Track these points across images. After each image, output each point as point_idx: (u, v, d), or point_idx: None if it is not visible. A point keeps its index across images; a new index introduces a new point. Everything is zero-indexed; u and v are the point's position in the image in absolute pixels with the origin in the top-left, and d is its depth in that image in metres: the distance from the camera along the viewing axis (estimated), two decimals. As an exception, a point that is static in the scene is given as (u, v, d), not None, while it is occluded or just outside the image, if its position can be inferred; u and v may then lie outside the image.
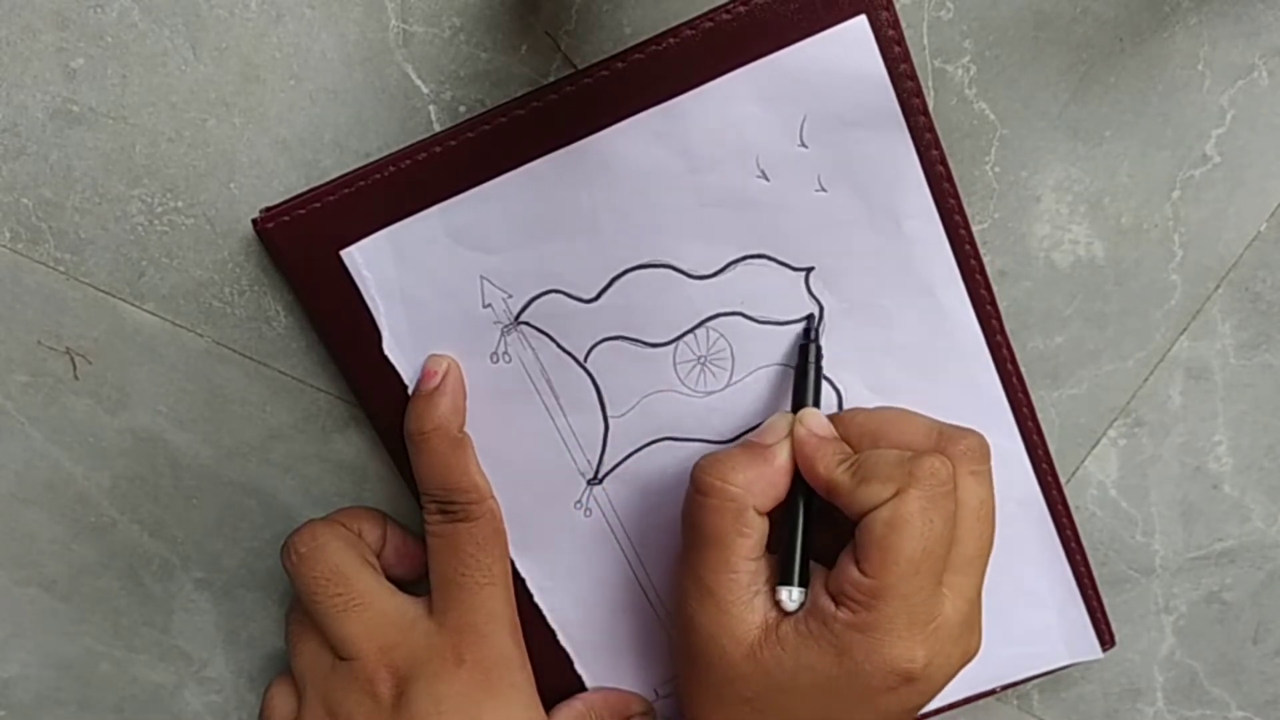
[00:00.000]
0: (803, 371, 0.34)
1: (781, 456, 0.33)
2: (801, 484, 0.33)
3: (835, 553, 0.32)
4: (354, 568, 0.34)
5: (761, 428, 0.34)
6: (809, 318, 0.34)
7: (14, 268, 0.33)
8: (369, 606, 0.34)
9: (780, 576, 0.32)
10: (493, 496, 0.35)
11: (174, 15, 0.31)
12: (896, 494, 0.30)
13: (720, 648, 0.32)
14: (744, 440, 0.34)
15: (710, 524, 0.32)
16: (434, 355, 0.34)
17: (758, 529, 0.32)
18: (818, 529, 0.33)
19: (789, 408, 0.35)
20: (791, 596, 0.32)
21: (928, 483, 0.30)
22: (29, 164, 0.32)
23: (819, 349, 0.34)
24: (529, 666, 0.36)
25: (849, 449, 0.33)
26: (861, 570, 0.30)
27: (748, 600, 0.32)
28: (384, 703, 0.34)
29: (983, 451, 0.33)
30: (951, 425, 0.33)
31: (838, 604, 0.31)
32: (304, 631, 0.36)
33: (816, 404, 0.34)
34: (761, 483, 0.32)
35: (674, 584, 0.34)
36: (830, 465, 0.32)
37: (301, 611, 0.36)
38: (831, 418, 0.34)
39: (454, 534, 0.34)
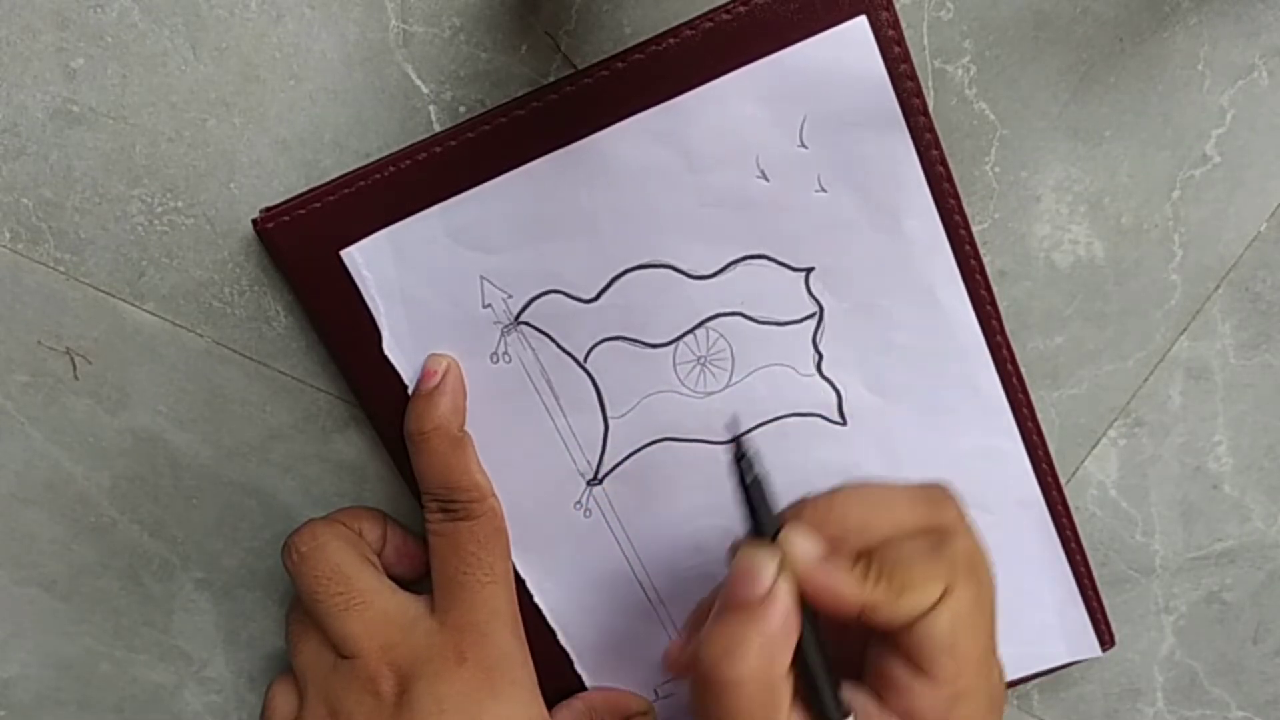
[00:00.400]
0: (746, 492, 0.29)
1: (782, 604, 0.28)
2: (807, 618, 0.29)
3: (841, 660, 0.29)
4: (355, 567, 0.34)
5: (736, 574, 0.28)
6: (735, 440, 0.30)
7: (14, 268, 0.33)
8: (370, 605, 0.34)
9: (822, 713, 0.29)
10: (494, 495, 0.35)
11: (174, 15, 0.31)
12: (946, 592, 0.27)
13: None
14: (724, 601, 0.29)
15: (745, 713, 0.27)
16: (434, 355, 0.34)
17: (786, 694, 0.28)
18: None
19: (742, 531, 0.30)
20: None
21: (972, 572, 0.28)
22: (29, 164, 0.32)
23: (749, 461, 0.29)
24: (531, 665, 0.36)
25: (844, 553, 0.29)
26: (933, 677, 0.27)
27: None
28: (386, 701, 0.34)
29: (958, 506, 0.30)
30: (923, 486, 0.30)
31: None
32: (305, 631, 0.36)
33: (779, 520, 0.29)
34: (774, 648, 0.27)
35: None
36: (853, 585, 0.28)
37: (302, 611, 0.36)
38: (794, 517, 0.29)
39: (455, 533, 0.34)
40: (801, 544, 0.28)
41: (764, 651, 0.27)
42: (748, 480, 0.29)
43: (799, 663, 0.29)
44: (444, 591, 0.35)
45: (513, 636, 0.35)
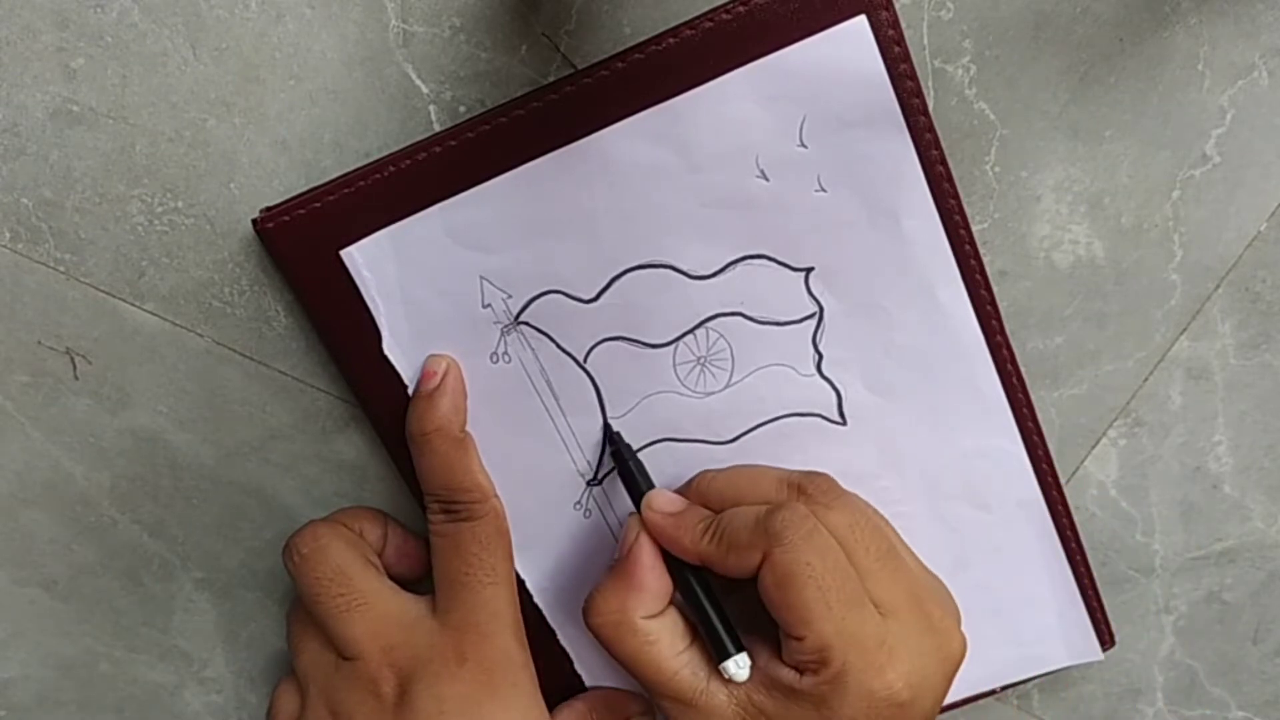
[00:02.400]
0: (624, 466, 0.35)
1: (644, 555, 0.33)
2: (683, 564, 0.33)
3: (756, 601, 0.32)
4: (356, 568, 0.34)
5: (620, 542, 0.34)
6: (605, 427, 0.35)
7: (14, 268, 0.33)
8: (372, 606, 0.34)
9: (716, 657, 0.33)
10: (496, 496, 0.35)
11: (174, 15, 0.31)
12: (765, 557, 0.31)
13: None
14: (610, 564, 0.35)
15: (622, 653, 0.33)
16: (433, 355, 0.34)
17: (662, 630, 0.33)
18: (730, 584, 0.33)
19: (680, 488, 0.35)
20: (738, 665, 0.32)
21: (786, 534, 0.31)
22: (29, 164, 0.32)
23: (627, 445, 0.35)
24: (532, 666, 0.36)
25: (707, 513, 0.33)
26: (790, 635, 0.31)
27: (705, 688, 0.32)
28: (387, 703, 0.34)
29: (831, 486, 0.33)
30: (800, 472, 0.34)
31: (801, 672, 0.31)
32: (306, 632, 0.36)
33: (649, 486, 0.34)
34: (635, 591, 0.33)
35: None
36: (695, 537, 0.32)
37: (303, 612, 0.36)
38: (685, 488, 0.35)
39: (457, 533, 0.34)
40: (656, 502, 0.34)
41: (618, 598, 0.33)
42: (621, 450, 0.35)
43: (695, 616, 0.34)
44: (445, 592, 0.34)
45: (514, 638, 0.35)
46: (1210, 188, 0.35)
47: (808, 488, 0.33)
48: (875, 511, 0.34)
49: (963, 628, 0.34)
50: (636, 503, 0.34)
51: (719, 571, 0.32)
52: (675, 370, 0.35)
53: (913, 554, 0.35)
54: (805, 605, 0.30)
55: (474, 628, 0.34)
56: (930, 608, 0.33)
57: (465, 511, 0.34)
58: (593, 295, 0.34)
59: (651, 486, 0.34)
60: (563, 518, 0.37)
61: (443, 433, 0.34)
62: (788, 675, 0.31)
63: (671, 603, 0.34)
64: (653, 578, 0.33)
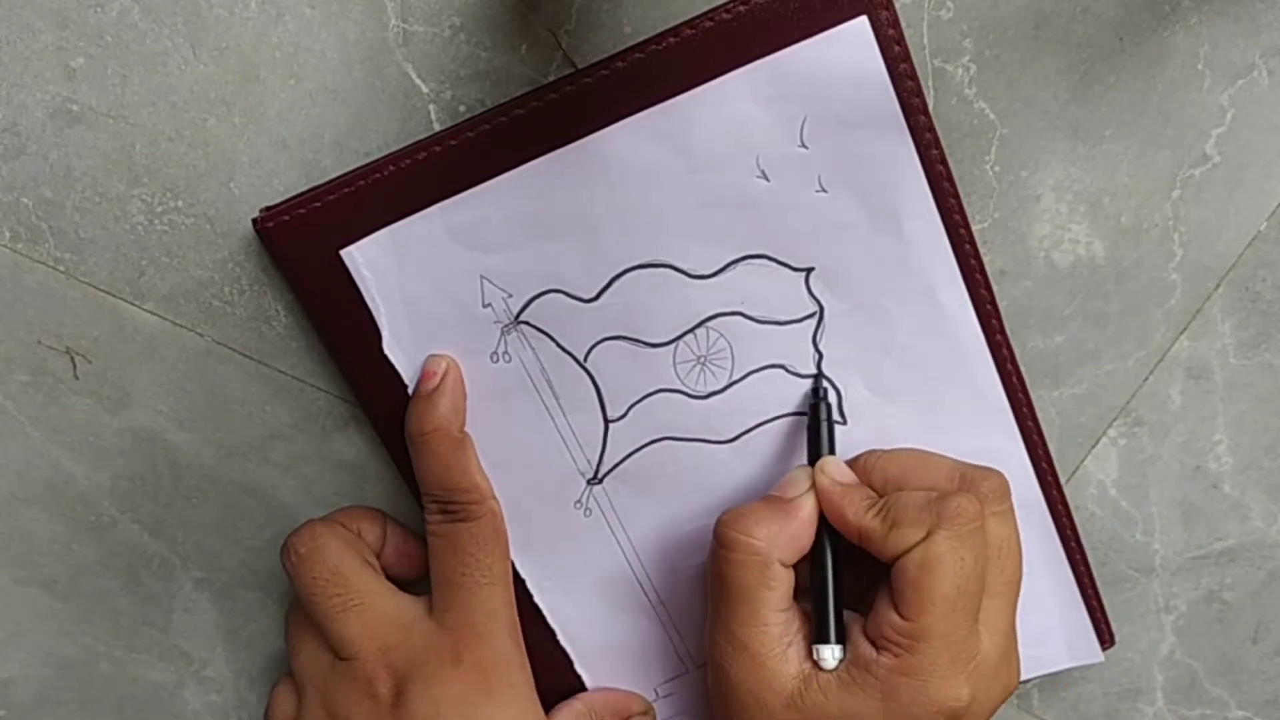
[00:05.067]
0: (815, 426, 0.34)
1: (805, 509, 0.33)
2: (827, 537, 0.33)
3: (864, 599, 0.33)
4: (353, 568, 0.34)
5: (782, 482, 0.34)
6: (817, 377, 0.35)
7: (14, 268, 0.33)
8: (368, 607, 0.34)
9: (816, 634, 0.33)
10: (494, 496, 0.35)
11: (174, 15, 0.31)
12: (927, 535, 0.31)
13: (759, 700, 0.32)
14: (766, 496, 0.34)
15: (736, 578, 0.32)
16: (433, 355, 0.34)
17: (784, 581, 0.33)
18: (846, 577, 0.34)
19: (804, 461, 0.35)
20: (833, 654, 0.32)
21: (956, 522, 0.31)
22: (29, 164, 0.32)
23: (829, 406, 0.35)
24: (528, 667, 0.36)
25: (874, 494, 0.33)
26: (900, 614, 0.31)
27: (781, 652, 0.32)
28: (383, 703, 0.34)
29: (1004, 491, 0.33)
30: (973, 466, 0.34)
31: (879, 649, 0.31)
32: (304, 632, 0.36)
33: (832, 453, 0.34)
34: (785, 536, 0.32)
35: (706, 637, 0.35)
36: (859, 511, 0.32)
37: (301, 612, 0.36)
38: (852, 463, 0.35)
39: (455, 534, 0.34)
40: (833, 469, 0.33)
41: (770, 531, 0.32)
42: (821, 414, 0.34)
43: (813, 589, 0.33)
44: (442, 592, 0.34)
45: (510, 639, 0.35)
46: (1210, 187, 0.35)
47: (981, 485, 0.33)
48: (1020, 535, 0.34)
49: None
50: (812, 459, 0.34)
51: (870, 548, 0.32)
52: (675, 369, 0.35)
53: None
54: (936, 596, 0.30)
55: (470, 628, 0.34)
56: (1015, 642, 0.33)
57: (462, 512, 0.34)
58: (593, 295, 0.34)
59: (833, 452, 0.34)
60: (563, 517, 0.37)
61: (441, 433, 0.34)
62: (866, 650, 0.31)
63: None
64: (806, 533, 0.33)
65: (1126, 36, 0.33)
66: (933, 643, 0.30)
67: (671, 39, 0.31)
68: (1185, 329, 0.37)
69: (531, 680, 0.36)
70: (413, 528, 0.37)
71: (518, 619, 0.36)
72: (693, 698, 0.40)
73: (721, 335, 0.34)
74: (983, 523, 0.31)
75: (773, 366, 0.35)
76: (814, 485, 0.33)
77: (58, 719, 0.40)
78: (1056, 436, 0.38)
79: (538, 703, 0.36)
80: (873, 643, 0.31)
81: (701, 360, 0.35)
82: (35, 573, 0.38)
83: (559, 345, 0.34)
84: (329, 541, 0.34)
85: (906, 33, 0.31)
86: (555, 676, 0.38)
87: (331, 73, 0.32)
